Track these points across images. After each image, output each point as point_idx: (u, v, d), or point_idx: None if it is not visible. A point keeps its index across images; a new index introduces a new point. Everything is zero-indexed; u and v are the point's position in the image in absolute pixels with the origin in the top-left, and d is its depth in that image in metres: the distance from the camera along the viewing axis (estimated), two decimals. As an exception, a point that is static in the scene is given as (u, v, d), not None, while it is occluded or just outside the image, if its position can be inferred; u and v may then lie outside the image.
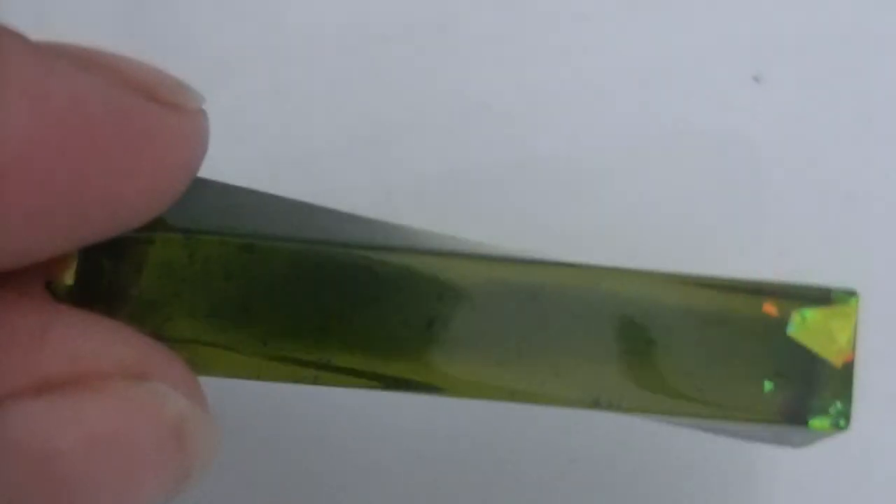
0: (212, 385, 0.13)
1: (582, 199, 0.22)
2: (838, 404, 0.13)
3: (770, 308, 0.13)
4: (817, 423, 0.13)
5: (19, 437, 0.11)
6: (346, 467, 0.22)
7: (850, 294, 0.13)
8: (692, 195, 0.22)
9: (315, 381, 0.13)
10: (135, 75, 0.12)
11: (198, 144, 0.13)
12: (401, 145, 0.23)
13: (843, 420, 0.13)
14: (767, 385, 0.13)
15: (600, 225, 0.22)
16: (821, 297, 0.13)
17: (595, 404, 0.13)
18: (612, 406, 0.13)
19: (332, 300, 0.13)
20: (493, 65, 0.23)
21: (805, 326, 0.13)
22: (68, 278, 0.13)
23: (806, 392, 0.13)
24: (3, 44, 0.11)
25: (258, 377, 0.13)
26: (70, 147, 0.11)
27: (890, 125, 0.22)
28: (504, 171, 0.22)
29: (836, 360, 0.13)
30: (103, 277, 0.13)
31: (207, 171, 0.13)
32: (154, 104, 0.12)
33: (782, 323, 0.13)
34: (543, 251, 0.14)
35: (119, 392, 0.12)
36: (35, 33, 0.11)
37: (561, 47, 0.23)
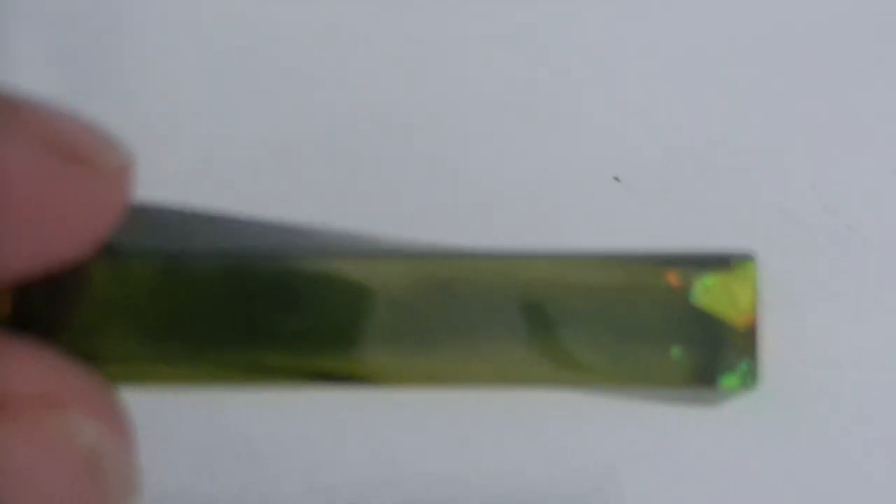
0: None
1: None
2: (744, 365, 0.14)
3: (672, 278, 0.14)
4: (727, 382, 0.14)
5: None
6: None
7: (747, 258, 0.14)
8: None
9: (246, 383, 0.13)
10: (57, 132, 0.12)
11: (116, 204, 0.13)
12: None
13: (750, 379, 0.14)
14: (675, 351, 0.14)
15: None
16: (720, 263, 0.14)
17: (508, 383, 0.14)
18: (527, 384, 0.13)
19: (257, 308, 0.13)
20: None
21: (707, 293, 0.14)
22: (4, 310, 0.13)
23: (714, 355, 0.14)
24: None
25: (193, 384, 0.13)
26: None
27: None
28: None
29: (740, 322, 0.14)
30: (35, 307, 0.13)
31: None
32: (72, 166, 0.12)
33: (685, 291, 0.14)
34: (459, 242, 0.14)
35: (32, 421, 0.12)
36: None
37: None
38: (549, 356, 0.14)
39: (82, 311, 0.13)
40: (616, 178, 0.24)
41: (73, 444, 0.12)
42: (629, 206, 0.24)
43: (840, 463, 0.23)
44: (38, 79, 0.22)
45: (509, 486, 0.23)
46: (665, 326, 0.14)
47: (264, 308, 0.13)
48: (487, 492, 0.23)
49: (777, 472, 0.23)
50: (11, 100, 0.12)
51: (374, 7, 0.24)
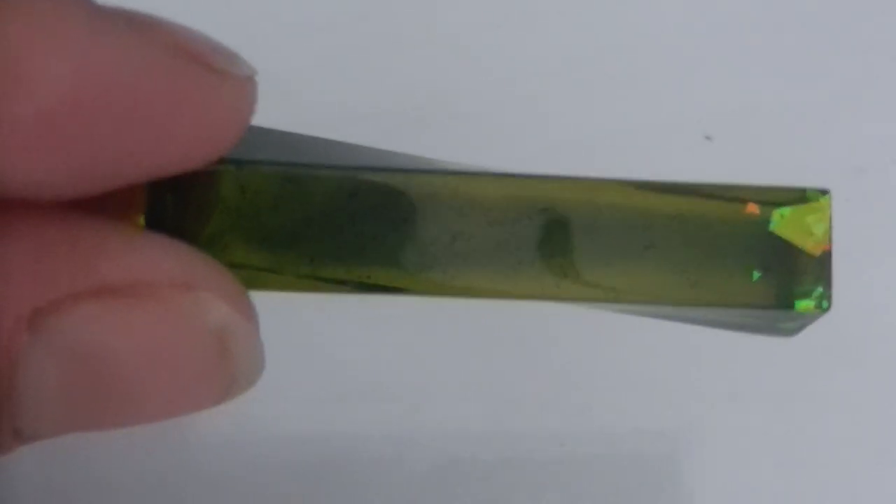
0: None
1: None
2: (819, 288, 0.15)
3: (753, 209, 0.15)
4: (803, 305, 0.15)
5: (77, 338, 0.12)
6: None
7: (822, 192, 0.15)
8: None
9: (351, 293, 0.15)
10: (187, 42, 0.13)
11: (244, 108, 0.14)
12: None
13: (825, 301, 0.15)
14: (756, 275, 0.15)
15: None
16: (797, 197, 0.15)
17: (608, 296, 0.15)
18: (623, 298, 0.15)
19: (367, 223, 0.15)
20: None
21: (784, 223, 0.15)
22: (139, 208, 0.14)
23: (790, 279, 0.15)
24: (62, 3, 0.12)
25: (302, 292, 0.15)
26: (113, 101, 0.12)
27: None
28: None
29: (815, 250, 0.15)
30: (167, 213, 0.14)
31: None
32: (203, 69, 0.13)
33: (764, 221, 0.15)
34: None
35: (166, 299, 0.13)
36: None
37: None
38: (642, 275, 0.15)
39: (207, 219, 0.14)
40: (708, 137, 0.25)
41: (203, 323, 0.13)
42: (719, 162, 0.25)
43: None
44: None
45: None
46: (745, 253, 0.15)
47: (374, 223, 0.14)
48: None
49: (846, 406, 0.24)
50: (144, 15, 0.13)
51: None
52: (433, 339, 0.24)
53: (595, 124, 0.25)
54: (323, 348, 0.24)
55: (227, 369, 0.14)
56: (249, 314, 0.14)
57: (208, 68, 0.13)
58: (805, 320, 0.15)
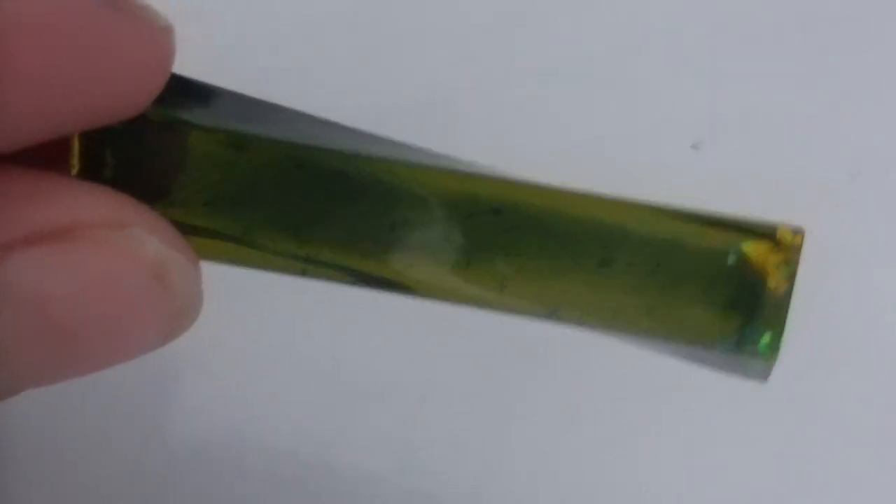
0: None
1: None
2: (767, 335, 0.14)
3: (717, 238, 0.14)
4: (747, 349, 0.14)
5: (15, 284, 0.13)
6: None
7: (795, 231, 0.14)
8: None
9: (288, 270, 0.14)
10: None
11: (165, 54, 0.14)
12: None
13: (770, 352, 0.14)
14: (699, 309, 0.14)
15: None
16: (767, 231, 0.14)
17: (551, 315, 0.14)
18: (570, 315, 0.14)
19: (311, 198, 0.14)
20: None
21: (747, 257, 0.14)
22: (74, 165, 0.14)
23: (743, 320, 0.14)
24: None
25: (239, 262, 0.14)
26: (38, 46, 0.12)
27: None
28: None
29: (776, 290, 0.14)
30: (105, 168, 0.14)
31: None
32: (124, 14, 0.13)
33: (727, 253, 0.14)
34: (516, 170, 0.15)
35: (99, 239, 0.13)
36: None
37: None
38: (592, 293, 0.14)
39: (148, 174, 0.14)
40: (695, 146, 0.24)
41: (138, 258, 0.13)
42: (706, 174, 0.24)
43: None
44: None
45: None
46: (708, 284, 0.14)
47: (318, 199, 0.14)
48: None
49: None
50: None
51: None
52: (431, 346, 0.24)
53: (581, 132, 0.24)
54: (316, 353, 0.24)
55: (168, 303, 0.14)
56: (186, 250, 0.14)
57: (128, 14, 0.13)
58: (765, 364, 0.15)
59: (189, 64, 0.15)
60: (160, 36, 0.13)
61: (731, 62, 0.25)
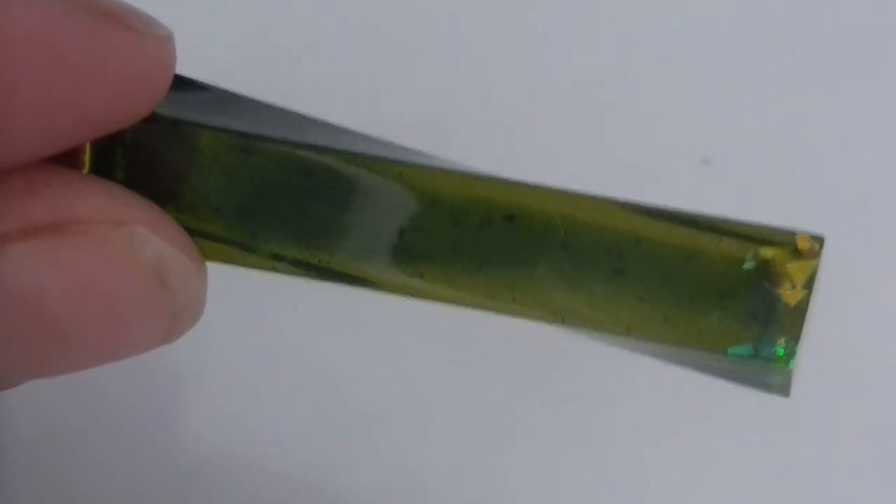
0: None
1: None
2: (782, 344, 0.14)
3: (731, 246, 0.14)
4: (761, 360, 0.14)
5: (9, 277, 0.12)
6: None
7: (815, 238, 0.14)
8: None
9: (293, 273, 0.14)
10: (104, 4, 0.13)
11: (165, 62, 0.13)
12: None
13: (785, 362, 0.14)
14: (716, 317, 0.14)
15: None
16: (784, 238, 0.14)
17: (563, 321, 0.14)
18: (584, 324, 0.14)
19: (321, 204, 0.14)
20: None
21: (763, 265, 0.14)
22: (84, 164, 0.14)
23: (760, 329, 0.14)
24: None
25: (241, 264, 0.14)
26: (39, 63, 0.12)
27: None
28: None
29: (791, 300, 0.14)
30: (117, 168, 0.14)
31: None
32: (117, 29, 0.13)
33: (742, 260, 0.14)
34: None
35: (97, 235, 0.13)
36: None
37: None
38: (606, 302, 0.14)
39: (156, 177, 0.14)
40: (705, 162, 0.24)
41: (138, 257, 0.13)
42: (715, 189, 0.24)
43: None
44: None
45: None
46: (725, 292, 0.14)
47: (323, 204, 0.14)
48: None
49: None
50: None
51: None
52: (433, 369, 0.24)
53: (591, 147, 0.24)
54: (316, 374, 0.24)
55: (167, 304, 0.13)
56: (188, 250, 0.14)
57: (126, 27, 0.13)
58: (786, 375, 0.14)
59: (200, 69, 0.15)
60: (160, 45, 0.13)
61: (741, 78, 0.25)
